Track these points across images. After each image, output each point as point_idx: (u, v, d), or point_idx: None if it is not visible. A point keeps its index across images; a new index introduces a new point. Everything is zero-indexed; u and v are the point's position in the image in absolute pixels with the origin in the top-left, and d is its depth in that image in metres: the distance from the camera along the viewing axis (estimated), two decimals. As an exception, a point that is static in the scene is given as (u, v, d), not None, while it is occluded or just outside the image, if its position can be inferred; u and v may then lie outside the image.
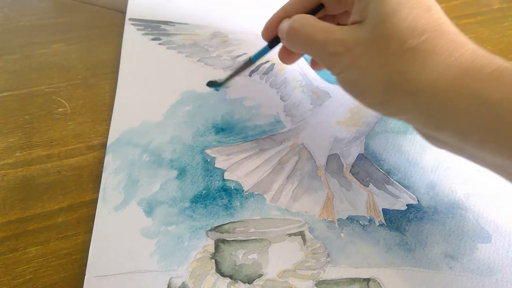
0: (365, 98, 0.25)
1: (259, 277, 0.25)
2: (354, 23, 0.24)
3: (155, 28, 0.42)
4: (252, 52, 0.33)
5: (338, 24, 0.30)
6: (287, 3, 0.30)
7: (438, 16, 0.22)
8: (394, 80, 0.22)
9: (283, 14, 0.29)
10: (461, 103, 0.20)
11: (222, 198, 0.28)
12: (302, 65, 0.38)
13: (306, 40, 0.26)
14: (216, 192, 0.29)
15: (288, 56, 0.32)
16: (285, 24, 0.28)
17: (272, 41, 0.31)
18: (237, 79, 0.37)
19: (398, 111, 0.24)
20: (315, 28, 0.25)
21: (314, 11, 0.28)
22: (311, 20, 0.26)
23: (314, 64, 0.34)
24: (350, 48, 0.24)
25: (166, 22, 0.43)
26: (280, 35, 0.29)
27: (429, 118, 0.22)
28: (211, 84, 0.36)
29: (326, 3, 0.28)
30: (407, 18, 0.22)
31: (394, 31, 0.22)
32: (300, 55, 0.32)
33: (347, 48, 0.24)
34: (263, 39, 0.31)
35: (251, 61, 0.33)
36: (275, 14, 0.30)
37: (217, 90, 0.36)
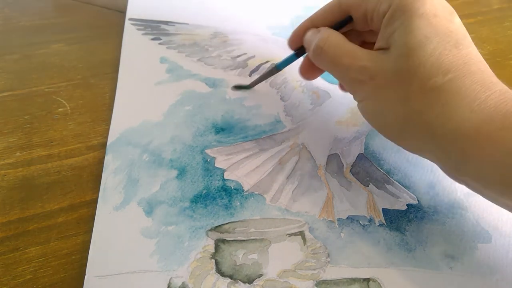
0: (384, 131, 0.24)
1: (259, 277, 0.25)
2: (379, 49, 0.23)
3: (155, 28, 0.42)
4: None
5: (364, 42, 0.29)
6: (315, 14, 0.28)
7: (467, 52, 0.21)
8: (413, 118, 0.21)
9: (310, 25, 0.28)
10: (484, 152, 0.19)
11: (222, 198, 0.28)
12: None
13: (331, 62, 0.25)
14: (216, 192, 0.29)
15: (309, 71, 0.30)
16: (310, 37, 0.27)
17: (298, 50, 0.30)
18: (237, 78, 0.37)
19: (417, 149, 0.23)
20: (341, 51, 0.24)
21: (342, 23, 0.27)
22: (339, 40, 0.25)
23: (340, 86, 0.32)
24: (373, 77, 0.23)
25: (166, 22, 0.43)
26: (305, 46, 0.28)
27: (449, 163, 0.21)
28: (237, 87, 0.36)
29: (355, 17, 0.26)
30: (432, 53, 0.21)
31: (418, 67, 0.21)
32: (322, 71, 0.31)
33: (370, 77, 0.23)
34: (289, 48, 0.30)
35: (277, 68, 0.33)
36: (302, 24, 0.29)
37: (247, 88, 0.36)
